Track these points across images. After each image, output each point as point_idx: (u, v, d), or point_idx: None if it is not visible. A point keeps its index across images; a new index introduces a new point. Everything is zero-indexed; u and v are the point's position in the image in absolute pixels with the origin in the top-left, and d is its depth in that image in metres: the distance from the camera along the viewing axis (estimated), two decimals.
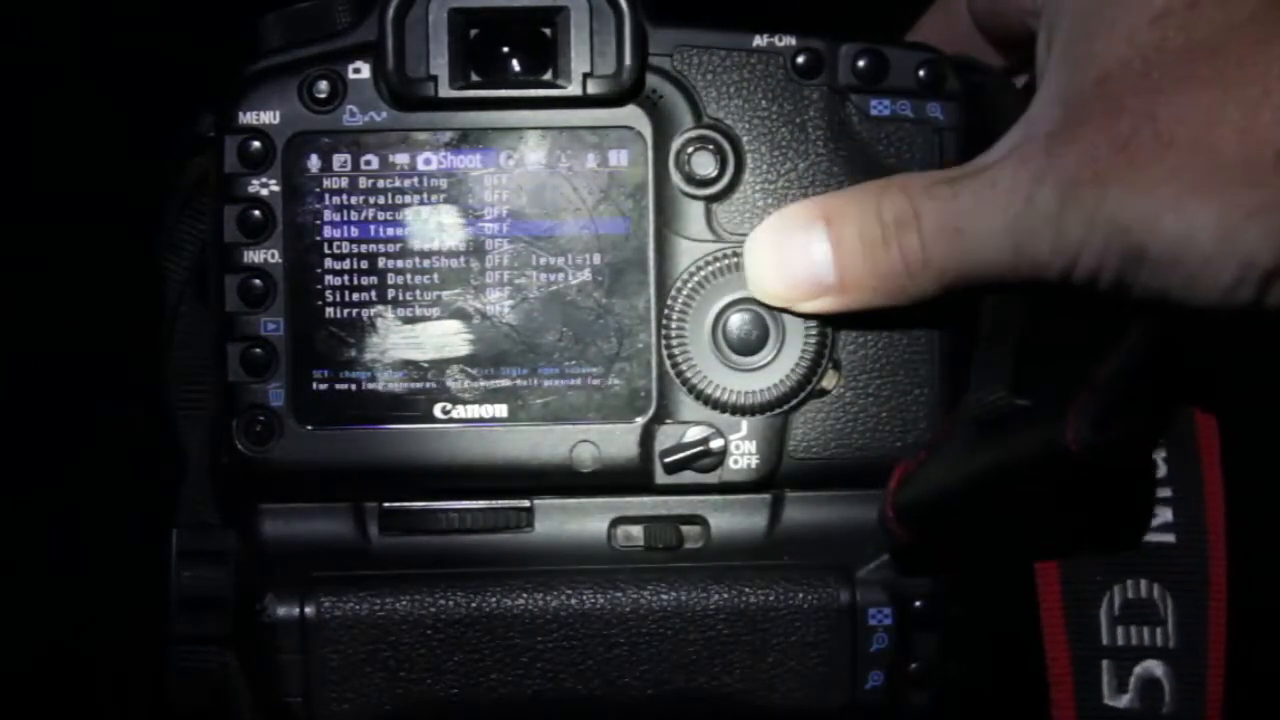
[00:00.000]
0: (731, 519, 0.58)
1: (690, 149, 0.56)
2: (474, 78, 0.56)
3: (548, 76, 0.56)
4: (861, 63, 0.56)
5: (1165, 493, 0.58)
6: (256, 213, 0.55)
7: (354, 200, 0.56)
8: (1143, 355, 0.48)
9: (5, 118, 0.70)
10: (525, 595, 0.56)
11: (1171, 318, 0.48)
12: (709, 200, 0.56)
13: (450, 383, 0.56)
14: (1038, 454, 0.48)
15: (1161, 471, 0.58)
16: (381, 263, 0.56)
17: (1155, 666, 0.57)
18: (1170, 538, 0.58)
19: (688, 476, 0.57)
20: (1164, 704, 0.57)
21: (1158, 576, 0.57)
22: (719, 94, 0.56)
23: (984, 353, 0.55)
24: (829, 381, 0.57)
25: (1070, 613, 0.57)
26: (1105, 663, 0.57)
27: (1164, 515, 0.58)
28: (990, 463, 0.51)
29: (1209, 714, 0.57)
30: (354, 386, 0.56)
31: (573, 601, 0.56)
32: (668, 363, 0.56)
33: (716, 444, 0.56)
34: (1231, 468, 0.59)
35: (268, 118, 0.55)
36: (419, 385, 0.56)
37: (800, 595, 0.56)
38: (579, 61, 0.55)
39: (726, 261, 0.56)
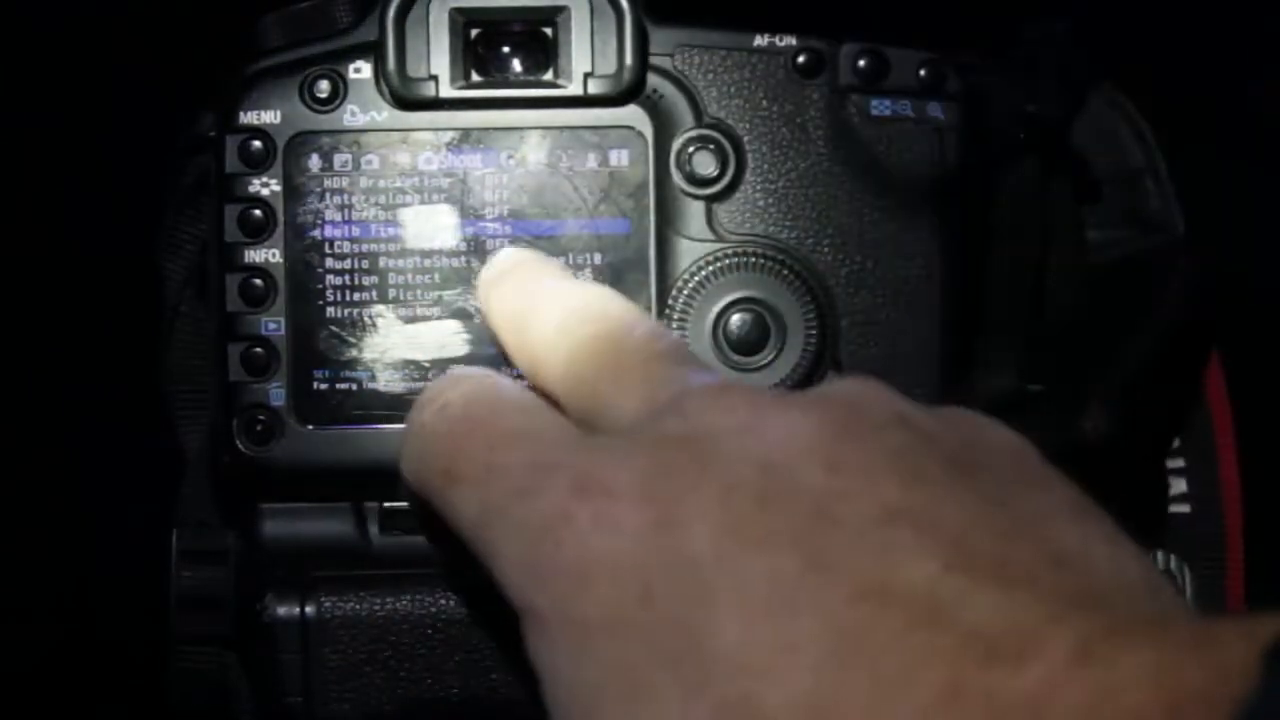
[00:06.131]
0: None
1: (691, 149, 0.56)
2: (475, 77, 0.56)
3: (548, 76, 0.56)
4: (862, 63, 0.56)
5: (1179, 463, 0.57)
6: (257, 212, 0.55)
7: (355, 200, 0.56)
8: (1161, 349, 0.47)
9: (4, 117, 0.70)
10: None
11: None
12: (710, 200, 0.56)
13: None
14: (1054, 443, 0.48)
15: (1174, 441, 0.57)
16: (382, 262, 0.56)
17: None
18: (1186, 508, 0.57)
19: None
20: None
21: (1174, 547, 0.57)
22: (720, 94, 0.56)
23: (990, 340, 0.54)
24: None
25: None
26: None
27: (1179, 485, 0.57)
28: None
29: None
30: (355, 386, 0.56)
31: None
32: None
33: None
34: (1244, 435, 0.58)
35: (268, 117, 0.55)
36: (420, 385, 0.56)
37: None
38: (579, 61, 0.55)
39: (727, 261, 0.56)
